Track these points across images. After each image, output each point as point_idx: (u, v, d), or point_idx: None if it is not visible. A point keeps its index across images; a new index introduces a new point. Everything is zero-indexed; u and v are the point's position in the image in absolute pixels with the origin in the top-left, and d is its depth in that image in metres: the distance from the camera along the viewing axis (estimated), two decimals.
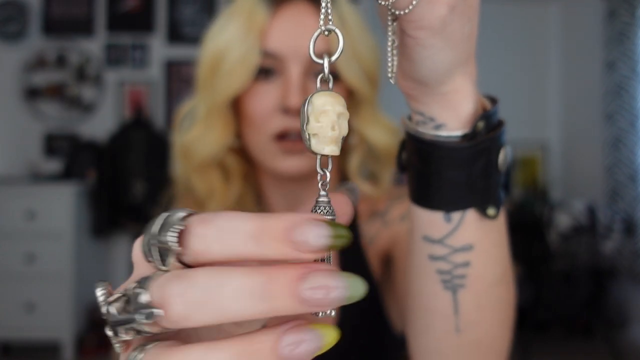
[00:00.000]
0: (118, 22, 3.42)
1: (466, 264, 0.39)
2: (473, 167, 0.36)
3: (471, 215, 0.37)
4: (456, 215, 0.37)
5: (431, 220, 0.38)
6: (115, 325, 0.21)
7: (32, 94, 3.39)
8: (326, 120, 0.25)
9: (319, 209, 0.25)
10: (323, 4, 0.25)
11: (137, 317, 0.21)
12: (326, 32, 0.26)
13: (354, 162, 0.74)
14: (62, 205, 2.89)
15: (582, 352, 2.89)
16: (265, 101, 0.65)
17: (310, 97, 0.25)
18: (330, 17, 0.25)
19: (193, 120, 0.72)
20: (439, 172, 0.36)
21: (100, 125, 3.36)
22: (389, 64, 0.34)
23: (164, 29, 3.45)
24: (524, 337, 2.72)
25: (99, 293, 0.22)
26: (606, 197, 3.14)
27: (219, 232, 0.20)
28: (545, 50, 3.78)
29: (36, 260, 2.84)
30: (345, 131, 0.25)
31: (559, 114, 3.76)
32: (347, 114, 0.25)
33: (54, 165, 3.30)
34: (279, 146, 0.66)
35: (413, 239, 0.41)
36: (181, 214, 0.21)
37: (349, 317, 0.70)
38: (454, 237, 0.38)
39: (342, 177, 0.77)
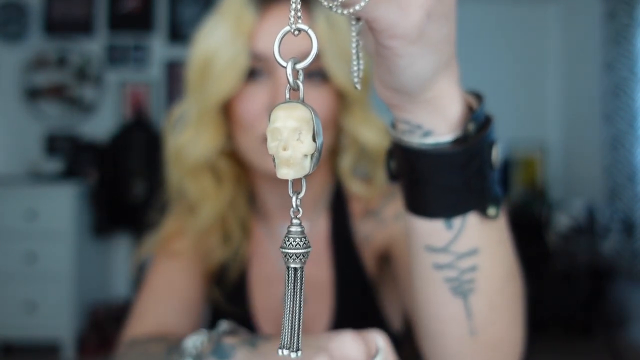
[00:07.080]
0: (119, 22, 3.43)
1: (473, 268, 0.37)
2: (468, 170, 0.35)
3: (472, 218, 0.36)
4: (457, 221, 0.36)
5: (432, 229, 0.37)
6: None
7: (33, 94, 3.39)
8: (277, 140, 0.22)
9: (290, 239, 0.22)
10: (292, 5, 0.24)
11: None
12: (296, 32, 0.24)
13: (346, 162, 0.73)
14: (62, 205, 2.89)
15: (582, 352, 2.89)
16: (254, 103, 0.65)
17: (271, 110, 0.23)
18: (299, 14, 0.24)
19: (185, 123, 0.72)
20: (433, 180, 0.35)
21: (100, 125, 3.36)
22: (354, 68, 0.31)
23: (165, 30, 3.45)
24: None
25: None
26: (605, 197, 3.14)
27: None
28: (545, 51, 3.78)
29: (37, 260, 2.85)
30: (308, 147, 0.21)
31: (558, 114, 3.76)
32: (307, 127, 0.22)
33: (54, 165, 3.30)
34: None
35: (414, 249, 0.39)
36: None
37: (345, 317, 0.71)
38: (457, 243, 0.37)
39: (334, 177, 0.77)
